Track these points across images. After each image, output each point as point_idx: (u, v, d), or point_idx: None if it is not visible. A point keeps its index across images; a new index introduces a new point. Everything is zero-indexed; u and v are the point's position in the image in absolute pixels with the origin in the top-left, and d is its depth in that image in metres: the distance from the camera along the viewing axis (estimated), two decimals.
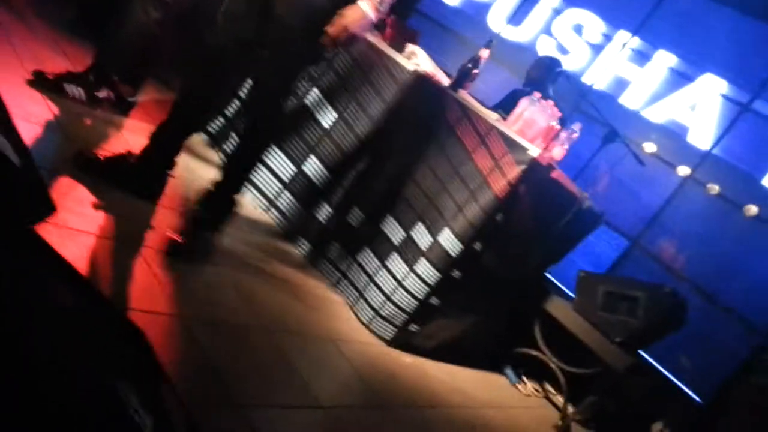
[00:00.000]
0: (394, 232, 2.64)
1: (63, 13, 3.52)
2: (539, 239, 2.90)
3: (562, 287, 3.84)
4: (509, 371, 3.28)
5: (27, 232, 1.32)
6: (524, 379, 3.33)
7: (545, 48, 5.31)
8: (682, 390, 3.63)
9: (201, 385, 1.53)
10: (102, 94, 2.63)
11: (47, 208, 1.44)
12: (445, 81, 2.92)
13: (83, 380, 0.97)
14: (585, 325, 3.05)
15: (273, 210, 2.93)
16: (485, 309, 2.88)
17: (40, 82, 2.39)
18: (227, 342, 1.76)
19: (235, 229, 2.53)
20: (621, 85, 4.93)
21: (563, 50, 5.26)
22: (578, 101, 4.71)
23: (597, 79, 5.03)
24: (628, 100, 4.84)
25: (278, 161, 2.99)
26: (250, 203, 2.91)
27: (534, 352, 3.22)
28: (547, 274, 3.67)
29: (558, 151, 2.82)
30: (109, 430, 0.91)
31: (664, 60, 4.80)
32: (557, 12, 5.40)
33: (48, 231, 1.59)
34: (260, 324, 1.98)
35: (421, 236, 2.57)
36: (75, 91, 2.53)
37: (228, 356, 1.70)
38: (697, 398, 3.60)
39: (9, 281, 1.16)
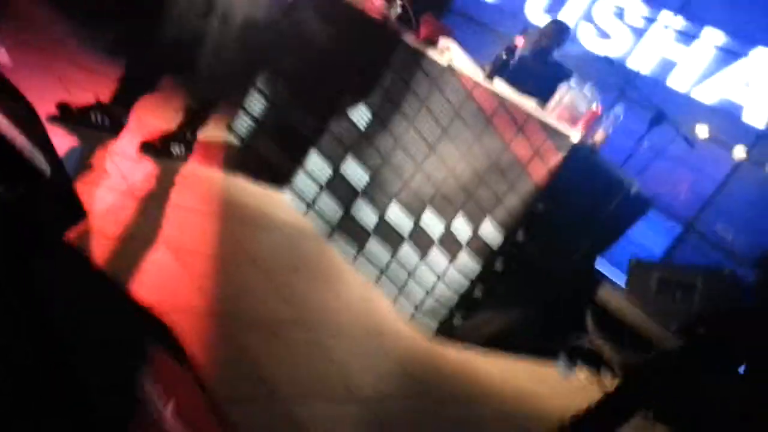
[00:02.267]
0: (434, 226, 2.60)
1: (100, 36, 3.62)
2: (586, 227, 2.80)
3: (614, 276, 3.70)
4: (561, 361, 3.17)
5: (59, 240, 1.36)
6: (578, 368, 3.22)
7: (586, 35, 5.18)
8: None
9: (240, 381, 1.53)
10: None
11: (78, 214, 1.48)
12: (480, 74, 2.86)
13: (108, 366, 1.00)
14: (639, 314, 2.92)
15: (312, 212, 2.95)
16: (532, 299, 2.80)
17: (64, 115, 2.31)
18: (266, 339, 1.76)
19: (274, 232, 2.56)
20: (668, 67, 4.75)
21: (605, 35, 5.12)
22: (623, 87, 4.56)
23: (642, 63, 4.86)
24: (676, 81, 4.66)
25: (316, 163, 3.01)
26: (289, 206, 2.93)
27: (587, 341, 3.11)
28: (598, 263, 3.54)
29: (600, 136, 2.72)
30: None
31: (712, 37, 4.61)
32: None
33: (83, 236, 1.62)
34: (300, 321, 1.97)
35: (462, 228, 2.52)
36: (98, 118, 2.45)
37: (267, 353, 1.70)
38: None
39: (43, 285, 1.19)
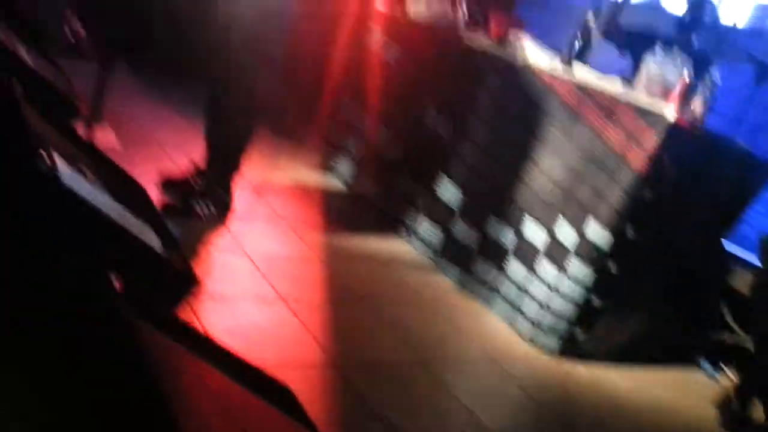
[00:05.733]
0: (537, 235, 2.50)
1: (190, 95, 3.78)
2: (702, 208, 2.59)
3: (745, 256, 3.39)
4: (704, 363, 2.92)
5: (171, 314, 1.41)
6: (724, 368, 2.95)
7: None
8: None
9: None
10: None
11: (191, 283, 1.54)
12: (557, 62, 2.75)
13: None
14: None
15: (414, 239, 2.92)
16: (658, 298, 2.61)
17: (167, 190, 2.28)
18: (386, 383, 1.75)
19: (379, 266, 2.56)
20: (764, 12, 4.35)
21: None
22: (718, 45, 4.21)
23: (736, 15, 4.49)
24: None
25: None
26: (390, 237, 2.94)
27: (728, 337, 2.86)
28: (724, 244, 3.26)
29: (699, 106, 2.52)
30: None
31: None
32: None
33: (198, 302, 1.69)
34: (416, 358, 1.95)
35: (566, 234, 2.40)
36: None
37: (388, 397, 1.69)
38: None
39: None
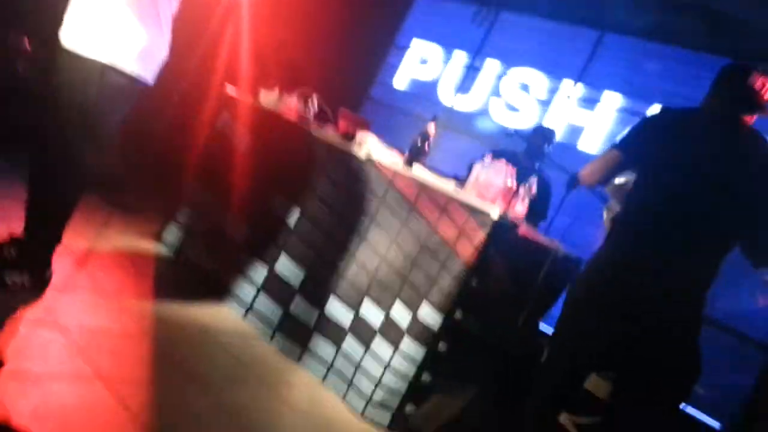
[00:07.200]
0: (374, 315, 2.61)
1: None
2: (522, 296, 2.87)
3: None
4: None
5: None
6: None
7: (497, 110, 5.48)
8: (700, 420, 3.50)
9: None
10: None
11: None
12: (399, 162, 2.97)
13: None
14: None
15: (251, 316, 2.91)
16: (483, 378, 2.80)
17: None
18: None
19: (214, 344, 2.50)
20: (576, 132, 5.05)
21: (513, 109, 5.43)
22: (538, 155, 4.77)
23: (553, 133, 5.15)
24: (585, 145, 4.95)
25: (250, 266, 3.00)
26: (227, 313, 2.88)
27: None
28: (543, 329, 3.59)
29: (520, 208, 2.84)
30: None
31: (612, 100, 4.96)
32: (501, 75, 5.62)
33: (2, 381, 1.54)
34: None
35: (401, 315, 2.53)
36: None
37: None
38: (717, 424, 3.47)
39: None
